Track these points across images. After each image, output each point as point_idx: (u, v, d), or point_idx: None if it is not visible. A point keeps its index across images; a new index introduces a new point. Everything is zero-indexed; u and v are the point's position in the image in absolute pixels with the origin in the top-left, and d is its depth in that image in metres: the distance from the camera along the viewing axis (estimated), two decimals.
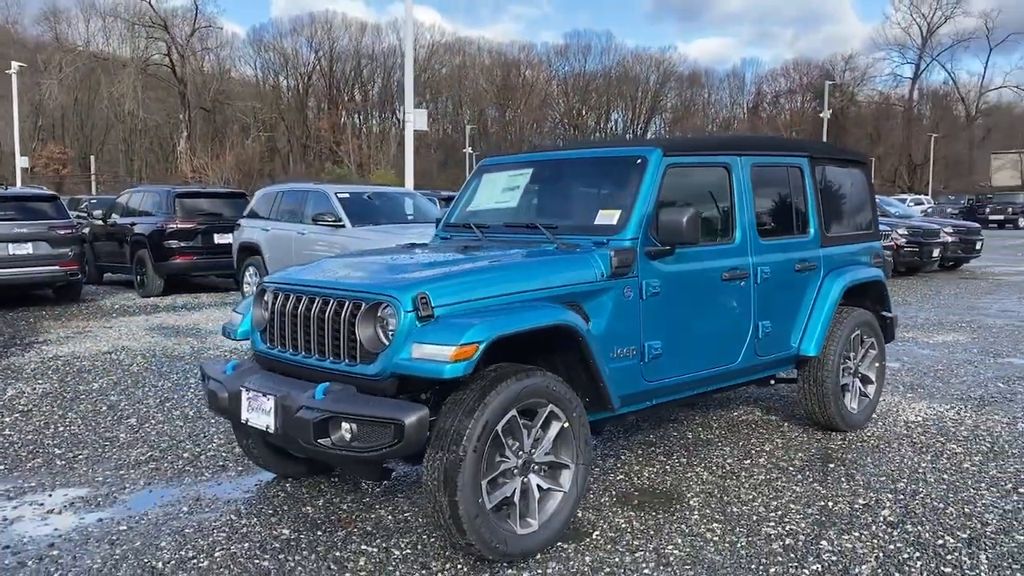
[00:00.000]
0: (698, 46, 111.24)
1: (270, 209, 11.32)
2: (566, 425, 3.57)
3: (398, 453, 3.20)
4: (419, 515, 3.95)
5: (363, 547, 3.60)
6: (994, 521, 3.85)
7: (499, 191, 4.88)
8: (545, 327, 3.47)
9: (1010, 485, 4.32)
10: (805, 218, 5.05)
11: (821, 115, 43.60)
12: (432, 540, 3.66)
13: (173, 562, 3.47)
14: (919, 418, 5.61)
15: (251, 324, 4.08)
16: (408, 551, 3.56)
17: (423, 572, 3.36)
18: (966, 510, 3.98)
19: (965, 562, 3.42)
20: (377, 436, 3.19)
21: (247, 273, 11.32)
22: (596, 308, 3.86)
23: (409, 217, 10.57)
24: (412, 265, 3.89)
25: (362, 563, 3.45)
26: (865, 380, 5.40)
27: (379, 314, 3.41)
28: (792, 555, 3.49)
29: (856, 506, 4.04)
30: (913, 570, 3.35)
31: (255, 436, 4.11)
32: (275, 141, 66.59)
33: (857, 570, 3.35)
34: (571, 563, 3.44)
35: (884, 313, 5.58)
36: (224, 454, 4.91)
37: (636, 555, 3.50)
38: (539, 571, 3.37)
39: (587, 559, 3.47)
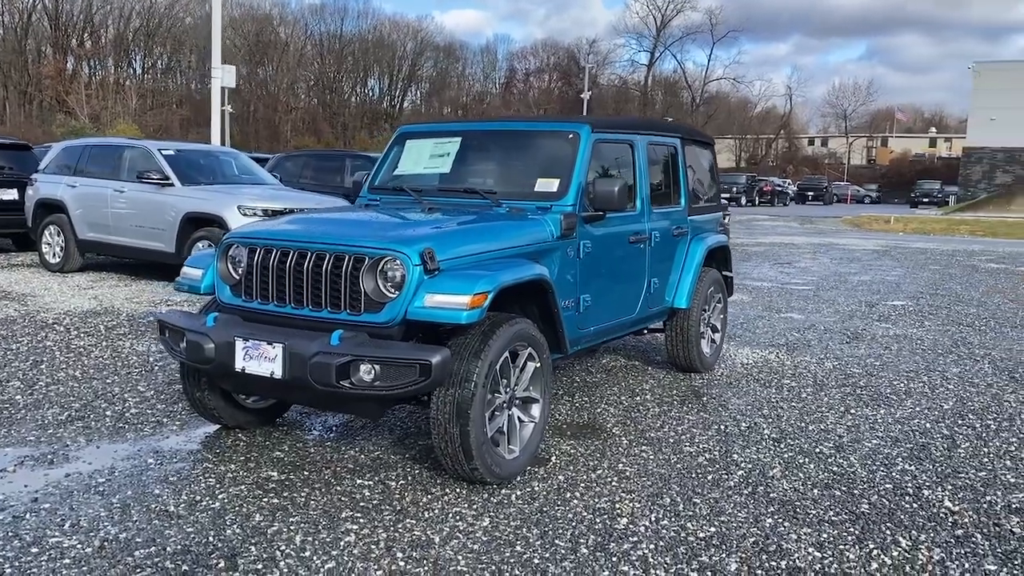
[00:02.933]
0: (453, 16, 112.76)
1: (75, 165, 10.56)
2: (538, 365, 4.10)
3: (422, 390, 3.57)
4: (389, 453, 4.30)
5: (358, 481, 3.92)
6: (845, 434, 4.90)
7: (426, 157, 5.23)
8: (531, 279, 3.98)
9: (843, 408, 5.45)
10: (679, 190, 5.89)
11: (582, 95, 46.56)
12: (419, 471, 4.05)
13: (183, 505, 3.59)
14: (750, 361, 6.73)
15: (215, 278, 4.19)
16: (403, 481, 3.93)
17: (428, 496, 3.76)
18: (822, 427, 5.02)
19: (842, 463, 4.39)
20: (402, 375, 3.53)
21: (47, 232, 10.50)
22: (548, 264, 4.40)
23: (239, 176, 10.36)
24: (403, 223, 4.22)
25: (366, 494, 3.78)
26: (714, 329, 6.40)
27: (382, 267, 3.72)
28: (718, 465, 4.29)
29: (742, 427, 4.94)
30: (809, 470, 4.26)
31: (217, 386, 4.23)
32: None
33: (771, 472, 4.20)
34: (549, 481, 3.99)
35: (726, 273, 6.60)
36: (149, 411, 4.90)
37: (598, 472, 4.13)
38: (527, 489, 3.89)
39: (560, 478, 4.04)
